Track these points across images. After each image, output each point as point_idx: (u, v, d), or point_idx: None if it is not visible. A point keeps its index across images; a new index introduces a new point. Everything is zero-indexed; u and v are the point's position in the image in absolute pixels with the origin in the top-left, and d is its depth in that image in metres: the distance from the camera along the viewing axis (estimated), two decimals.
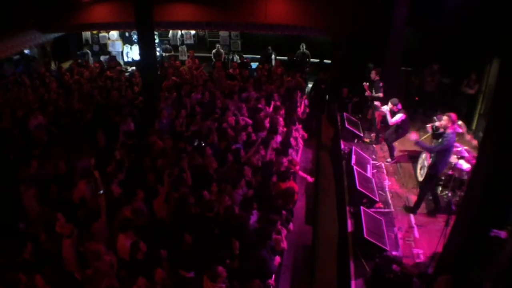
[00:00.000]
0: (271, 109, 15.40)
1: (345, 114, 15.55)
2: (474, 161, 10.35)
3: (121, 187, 10.46)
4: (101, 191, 11.07)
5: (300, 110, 16.13)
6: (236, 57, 24.30)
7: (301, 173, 13.20)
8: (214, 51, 24.43)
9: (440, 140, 10.69)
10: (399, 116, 12.82)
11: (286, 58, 23.31)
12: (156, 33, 22.01)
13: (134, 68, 22.88)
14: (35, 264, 8.42)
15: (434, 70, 17.01)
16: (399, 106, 12.95)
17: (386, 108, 13.21)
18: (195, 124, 13.94)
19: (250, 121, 14.17)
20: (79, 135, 13.68)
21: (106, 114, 14.78)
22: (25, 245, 8.79)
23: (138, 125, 14.17)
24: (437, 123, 11.59)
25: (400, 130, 13.30)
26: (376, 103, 14.30)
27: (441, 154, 10.57)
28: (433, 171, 10.83)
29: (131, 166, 11.42)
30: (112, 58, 23.42)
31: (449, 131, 10.52)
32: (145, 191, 10.09)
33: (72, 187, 10.59)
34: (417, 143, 10.97)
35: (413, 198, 11.79)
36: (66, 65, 23.32)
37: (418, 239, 10.27)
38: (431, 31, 16.95)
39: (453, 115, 10.59)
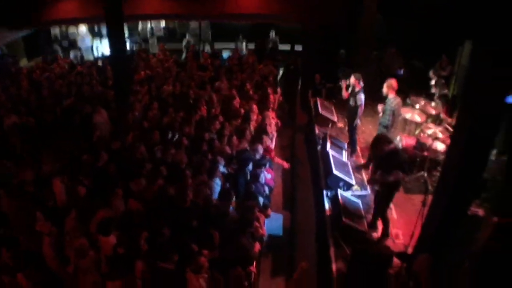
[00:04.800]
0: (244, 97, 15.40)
1: (318, 99, 15.54)
2: (448, 141, 10.53)
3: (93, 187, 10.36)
4: None
5: (273, 97, 16.09)
6: (207, 47, 24.23)
7: (276, 160, 13.21)
8: (184, 42, 24.29)
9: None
10: (363, 97, 12.39)
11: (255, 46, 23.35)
12: (125, 26, 21.81)
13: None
14: (16, 265, 8.34)
15: (392, 53, 17.17)
16: (362, 83, 12.46)
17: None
18: (168, 116, 13.86)
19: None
20: (52, 132, 13.54)
21: (77, 109, 14.66)
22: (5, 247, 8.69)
23: (112, 119, 14.07)
24: (351, 81, 12.44)
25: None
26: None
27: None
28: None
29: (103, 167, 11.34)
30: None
31: (357, 88, 12.24)
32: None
33: (48, 186, 10.48)
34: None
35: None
36: (35, 62, 23.15)
37: (396, 220, 10.34)
38: (402, 15, 17.05)
39: (355, 75, 12.28)
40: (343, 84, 12.80)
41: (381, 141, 9.47)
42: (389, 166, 9.24)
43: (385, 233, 9.79)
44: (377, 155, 10.08)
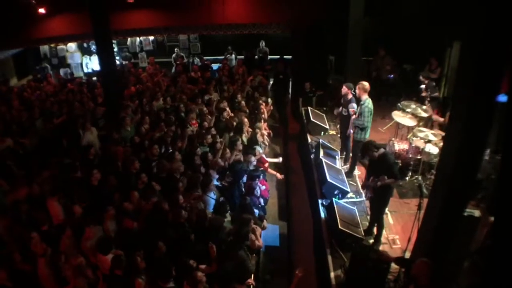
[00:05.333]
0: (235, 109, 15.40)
1: (309, 108, 15.51)
2: (441, 144, 10.53)
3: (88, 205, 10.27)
4: None
5: (264, 107, 16.06)
6: (197, 60, 24.22)
7: (270, 171, 13.19)
8: (173, 55, 24.31)
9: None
10: (355, 106, 12.28)
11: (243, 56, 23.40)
12: (114, 41, 21.79)
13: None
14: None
15: (381, 56, 17.26)
16: (353, 92, 12.40)
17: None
18: (159, 130, 13.80)
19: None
20: (44, 151, 13.45)
21: (70, 127, 14.58)
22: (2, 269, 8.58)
23: (103, 135, 14.02)
24: (343, 91, 12.44)
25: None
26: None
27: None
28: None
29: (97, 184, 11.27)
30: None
31: (349, 97, 12.22)
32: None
33: (42, 206, 10.38)
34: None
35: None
36: (25, 81, 23.04)
37: (392, 225, 10.32)
38: (389, 19, 17.11)
39: (363, 83, 11.71)
40: (336, 112, 12.96)
41: (369, 148, 9.45)
42: (380, 171, 9.24)
43: (378, 239, 9.79)
44: (367, 162, 10.07)
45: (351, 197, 11.49)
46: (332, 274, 9.01)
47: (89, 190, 10.81)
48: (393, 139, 13.00)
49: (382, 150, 9.41)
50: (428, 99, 13.97)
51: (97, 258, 8.78)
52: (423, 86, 14.58)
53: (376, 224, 9.91)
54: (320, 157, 12.29)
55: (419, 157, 11.93)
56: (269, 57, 23.60)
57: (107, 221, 9.65)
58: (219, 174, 11.59)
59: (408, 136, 12.94)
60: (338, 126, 14.71)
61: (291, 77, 19.45)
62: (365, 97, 11.52)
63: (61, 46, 25.51)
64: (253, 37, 23.51)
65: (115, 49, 23.71)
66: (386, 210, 10.26)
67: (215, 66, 22.86)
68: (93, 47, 24.55)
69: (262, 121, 14.91)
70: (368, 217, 10.55)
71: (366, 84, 11.57)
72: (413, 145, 12.04)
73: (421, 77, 15.09)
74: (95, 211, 9.80)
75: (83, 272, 8.23)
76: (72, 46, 25.48)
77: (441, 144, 10.72)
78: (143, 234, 9.18)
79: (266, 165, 13.14)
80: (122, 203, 10.17)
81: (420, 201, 8.56)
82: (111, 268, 8.22)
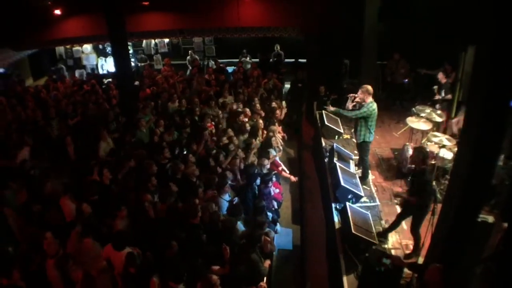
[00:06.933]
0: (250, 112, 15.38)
1: (324, 111, 15.48)
2: (455, 149, 10.48)
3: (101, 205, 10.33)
4: None
5: (279, 111, 16.07)
6: (211, 63, 24.28)
7: (284, 174, 13.18)
8: (188, 57, 24.39)
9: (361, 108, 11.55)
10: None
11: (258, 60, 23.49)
12: (129, 43, 21.87)
13: (109, 80, 22.68)
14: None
15: (396, 60, 17.24)
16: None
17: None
18: (170, 134, 13.84)
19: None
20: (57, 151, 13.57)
21: (84, 127, 14.67)
22: (16, 269, 8.60)
23: (118, 137, 14.08)
24: (357, 99, 11.84)
25: None
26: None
27: (364, 121, 11.59)
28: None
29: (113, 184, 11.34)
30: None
31: (367, 101, 11.40)
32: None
33: (54, 205, 10.43)
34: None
35: (398, 190, 11.83)
36: (41, 81, 23.16)
37: (406, 231, 10.25)
38: (404, 23, 17.07)
39: (367, 87, 11.44)
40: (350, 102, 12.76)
41: (426, 156, 9.29)
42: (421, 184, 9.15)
43: (417, 252, 9.52)
44: (414, 171, 9.83)
45: (364, 202, 11.44)
46: (344, 279, 8.97)
47: (101, 189, 10.89)
48: (407, 143, 12.95)
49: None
50: (441, 99, 13.91)
51: (110, 255, 8.81)
52: (435, 87, 14.49)
53: (414, 235, 9.64)
54: (334, 161, 12.25)
55: (433, 162, 11.86)
56: (284, 60, 23.65)
57: (118, 220, 9.71)
58: (234, 176, 11.60)
59: (423, 141, 12.89)
60: (352, 131, 14.68)
61: (307, 80, 19.42)
62: (369, 100, 11.44)
63: (76, 48, 25.79)
64: (268, 40, 23.58)
65: (131, 51, 23.80)
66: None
67: (230, 69, 22.94)
68: (109, 49, 24.77)
69: (277, 124, 14.92)
70: (382, 221, 10.53)
71: (369, 87, 11.47)
72: (428, 149, 11.99)
73: (440, 76, 14.93)
74: (106, 208, 9.93)
75: (106, 272, 8.28)
76: (87, 47, 25.72)
77: (456, 149, 10.67)
78: (156, 234, 9.20)
79: (280, 168, 13.16)
80: (137, 203, 10.23)
81: (434, 206, 8.53)
82: (125, 266, 8.25)
